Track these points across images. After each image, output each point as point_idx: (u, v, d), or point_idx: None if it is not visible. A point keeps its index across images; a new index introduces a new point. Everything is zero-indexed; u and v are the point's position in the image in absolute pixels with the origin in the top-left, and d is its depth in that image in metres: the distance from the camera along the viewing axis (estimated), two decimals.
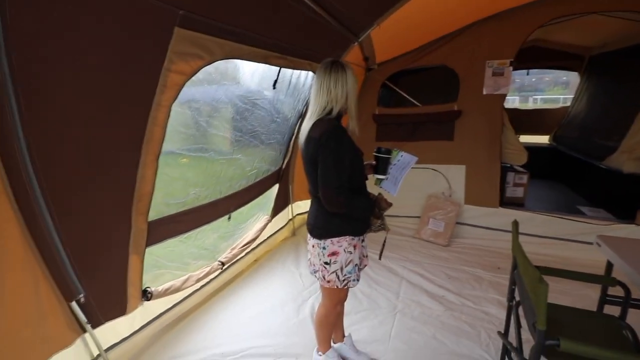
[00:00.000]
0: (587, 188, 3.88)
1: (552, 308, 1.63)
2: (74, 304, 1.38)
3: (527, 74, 5.10)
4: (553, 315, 1.57)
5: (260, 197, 2.75)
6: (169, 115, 1.36)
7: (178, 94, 1.34)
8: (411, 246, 3.34)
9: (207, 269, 2.33)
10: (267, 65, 1.91)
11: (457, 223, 3.49)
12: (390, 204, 1.54)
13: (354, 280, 1.51)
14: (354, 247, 1.48)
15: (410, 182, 3.77)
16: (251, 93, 1.98)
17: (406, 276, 2.77)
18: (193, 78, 1.47)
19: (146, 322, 1.95)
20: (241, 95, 1.89)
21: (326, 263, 1.48)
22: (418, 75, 4.08)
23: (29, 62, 0.94)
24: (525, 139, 3.39)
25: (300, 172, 3.27)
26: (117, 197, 1.46)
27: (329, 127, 1.34)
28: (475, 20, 3.23)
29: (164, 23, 1.20)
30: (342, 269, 1.47)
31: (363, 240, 1.59)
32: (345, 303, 1.76)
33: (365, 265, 1.65)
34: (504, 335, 1.82)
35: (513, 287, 1.73)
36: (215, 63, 1.57)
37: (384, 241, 1.67)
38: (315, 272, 1.57)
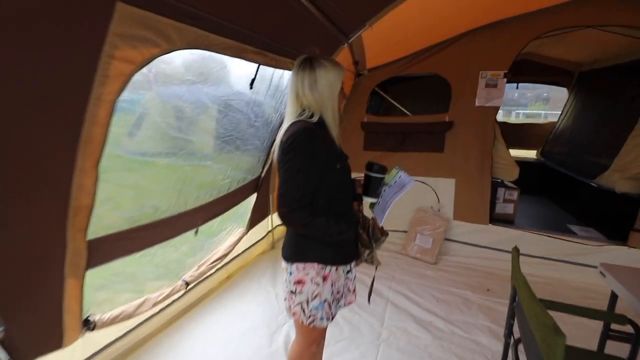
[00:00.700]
0: (577, 206, 3.80)
1: None
2: None
3: (517, 87, 5.05)
4: None
5: (237, 207, 2.49)
6: (112, 113, 1.11)
7: (124, 87, 1.09)
8: (397, 263, 3.14)
9: (168, 290, 2.04)
10: (246, 63, 1.68)
11: (445, 239, 3.32)
12: (385, 233, 1.32)
13: (322, 319, 1.24)
14: (324, 278, 1.21)
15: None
16: (224, 93, 1.74)
17: (392, 298, 2.56)
18: (152, 72, 1.23)
19: (89, 355, 1.67)
20: (212, 94, 1.65)
21: (292, 292, 1.24)
22: (409, 83, 3.94)
23: None
24: (512, 153, 3.31)
25: None
26: (48, 211, 1.18)
27: (298, 129, 1.13)
28: (470, 29, 3.11)
29: None
30: (307, 301, 1.22)
31: (349, 271, 1.34)
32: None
33: (351, 302, 1.39)
34: None
35: (512, 321, 1.54)
36: (182, 54, 1.34)
37: (373, 280, 1.41)
38: (285, 299, 1.33)
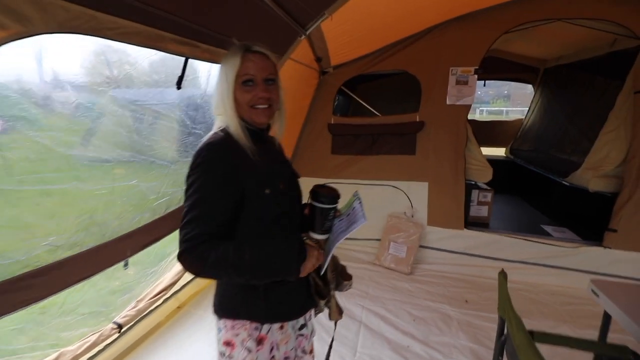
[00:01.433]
0: (550, 205, 3.74)
1: None
2: None
3: (484, 85, 4.99)
4: None
5: None
6: None
7: None
8: (370, 276, 2.91)
9: (93, 338, 1.66)
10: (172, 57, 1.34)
11: (420, 246, 3.12)
12: (349, 277, 1.02)
13: None
14: (258, 341, 0.91)
15: (369, 200, 3.42)
16: (144, 96, 1.38)
17: (365, 320, 2.31)
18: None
19: None
20: (126, 99, 1.29)
21: (221, 353, 0.94)
22: (377, 81, 3.72)
23: None
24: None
25: None
26: None
27: (205, 143, 0.88)
28: (439, 22, 2.91)
29: None
30: None
31: (303, 327, 1.03)
32: None
33: None
34: None
35: (500, 358, 1.32)
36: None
37: (332, 340, 1.09)
38: None
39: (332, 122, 3.27)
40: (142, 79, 1.39)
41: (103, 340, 1.71)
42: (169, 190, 1.68)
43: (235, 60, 0.88)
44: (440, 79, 2.99)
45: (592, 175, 2.83)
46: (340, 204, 0.97)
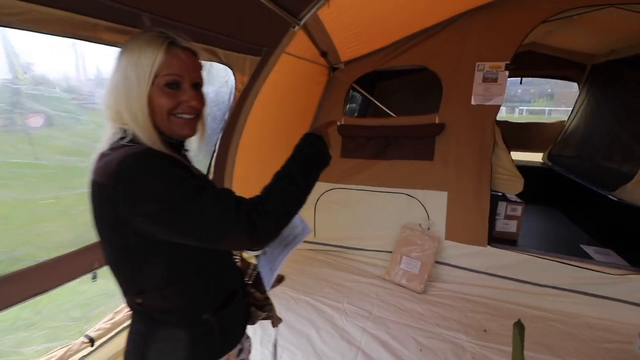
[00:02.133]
0: (592, 221, 3.27)
1: None
2: None
3: (521, 82, 4.51)
4: None
5: None
6: None
7: None
8: (377, 293, 2.64)
9: (59, 353, 1.56)
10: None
11: (436, 262, 2.81)
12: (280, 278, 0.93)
13: None
14: None
15: (381, 209, 3.14)
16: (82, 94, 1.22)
17: (364, 345, 2.06)
18: None
19: None
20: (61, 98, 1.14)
21: None
22: (393, 79, 3.42)
23: None
24: (515, 156, 2.78)
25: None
26: None
27: (123, 156, 0.65)
28: (464, 11, 2.57)
29: None
30: None
31: (240, 351, 0.91)
32: None
33: None
34: None
35: None
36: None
37: (275, 344, 1.09)
38: None
39: (342, 122, 3.02)
40: None
41: (71, 356, 1.60)
42: None
43: (155, 53, 0.67)
44: (465, 75, 2.65)
45: None
46: None
